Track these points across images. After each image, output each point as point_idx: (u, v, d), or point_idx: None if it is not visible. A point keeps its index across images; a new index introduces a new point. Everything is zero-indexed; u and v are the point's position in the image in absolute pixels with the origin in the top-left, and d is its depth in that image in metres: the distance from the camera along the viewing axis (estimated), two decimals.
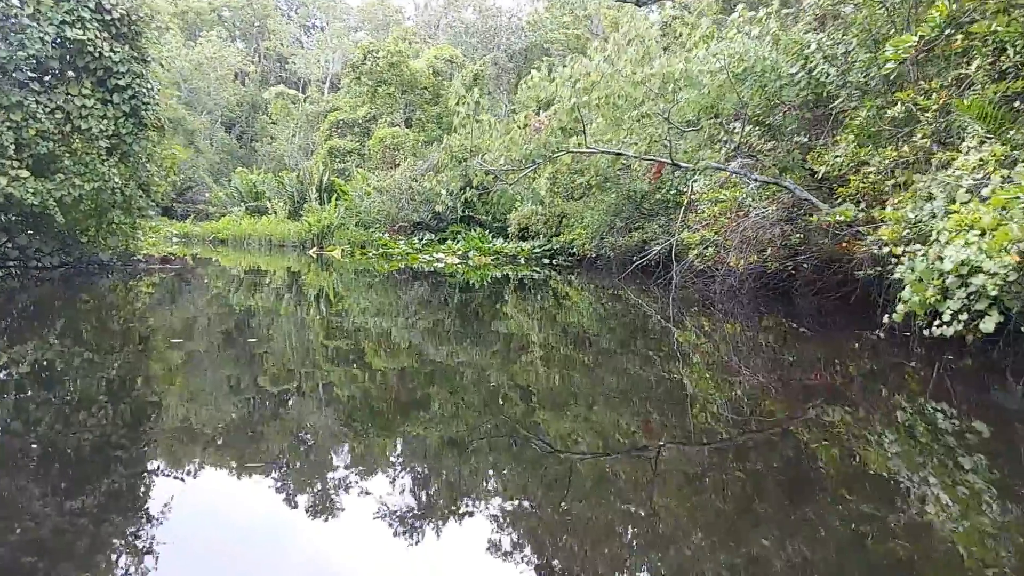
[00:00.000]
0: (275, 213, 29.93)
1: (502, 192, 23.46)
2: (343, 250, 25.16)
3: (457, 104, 8.24)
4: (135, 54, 12.08)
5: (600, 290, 15.89)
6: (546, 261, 23.03)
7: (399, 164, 28.32)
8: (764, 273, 12.44)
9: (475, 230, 26.00)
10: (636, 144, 9.32)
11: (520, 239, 24.16)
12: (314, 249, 25.94)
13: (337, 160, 33.35)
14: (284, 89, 41.85)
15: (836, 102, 8.96)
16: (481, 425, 4.62)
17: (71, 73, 11.35)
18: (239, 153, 43.48)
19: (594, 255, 19.01)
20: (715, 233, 12.55)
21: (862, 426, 4.76)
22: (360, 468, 3.82)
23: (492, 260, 23.28)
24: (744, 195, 11.91)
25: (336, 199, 28.41)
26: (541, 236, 22.96)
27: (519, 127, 8.24)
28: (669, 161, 8.98)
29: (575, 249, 20.78)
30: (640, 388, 5.99)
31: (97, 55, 11.45)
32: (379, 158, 30.49)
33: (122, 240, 12.49)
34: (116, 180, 11.56)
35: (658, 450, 4.12)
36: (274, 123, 41.59)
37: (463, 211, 26.72)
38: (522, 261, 23.22)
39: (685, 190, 15.60)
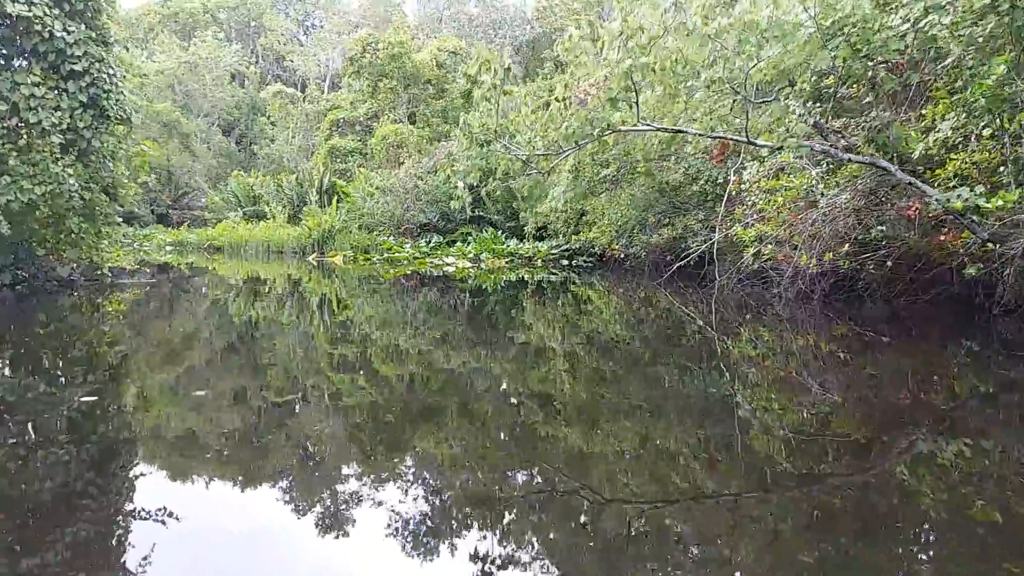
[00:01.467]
0: (273, 218, 28.23)
1: (521, 186, 21.67)
2: (345, 256, 23.44)
3: (478, 73, 6.51)
4: (93, 35, 10.35)
5: (630, 293, 14.07)
6: (565, 262, 21.25)
7: (403, 162, 26.58)
8: (830, 272, 10.67)
9: (486, 231, 24.23)
10: (698, 120, 7.54)
11: (536, 239, 22.39)
12: (314, 255, 24.24)
13: (338, 160, 31.64)
14: (282, 88, 40.16)
15: (947, 61, 7.16)
16: (512, 467, 3.84)
17: (17, 58, 9.64)
18: (238, 157, 41.84)
19: (621, 255, 17.16)
20: (777, 227, 10.76)
21: (992, 467, 3.66)
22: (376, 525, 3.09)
23: (507, 263, 21.50)
24: (812, 181, 10.11)
25: (337, 201, 26.70)
26: (559, 235, 21.14)
27: (558, 100, 6.52)
28: (744, 139, 7.21)
29: (597, 248, 18.98)
30: (692, 412, 4.99)
31: (47, 35, 9.73)
32: (382, 157, 28.76)
33: (85, 251, 10.76)
34: (72, 182, 9.83)
35: (735, 499, 3.32)
36: (273, 124, 39.92)
37: (473, 210, 24.95)
38: (539, 263, 21.44)
39: (729, 180, 13.84)
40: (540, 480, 3.59)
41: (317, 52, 44.54)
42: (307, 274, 18.51)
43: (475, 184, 7.24)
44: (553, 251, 21.39)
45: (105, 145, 10.50)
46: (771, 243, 10.85)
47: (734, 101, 7.41)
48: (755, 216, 12.28)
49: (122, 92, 10.68)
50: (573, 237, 19.54)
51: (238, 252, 27.38)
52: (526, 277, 17.56)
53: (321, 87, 42.67)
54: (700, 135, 6.78)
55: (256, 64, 48.98)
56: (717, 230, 14.15)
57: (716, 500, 3.34)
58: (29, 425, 4.06)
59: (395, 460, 3.94)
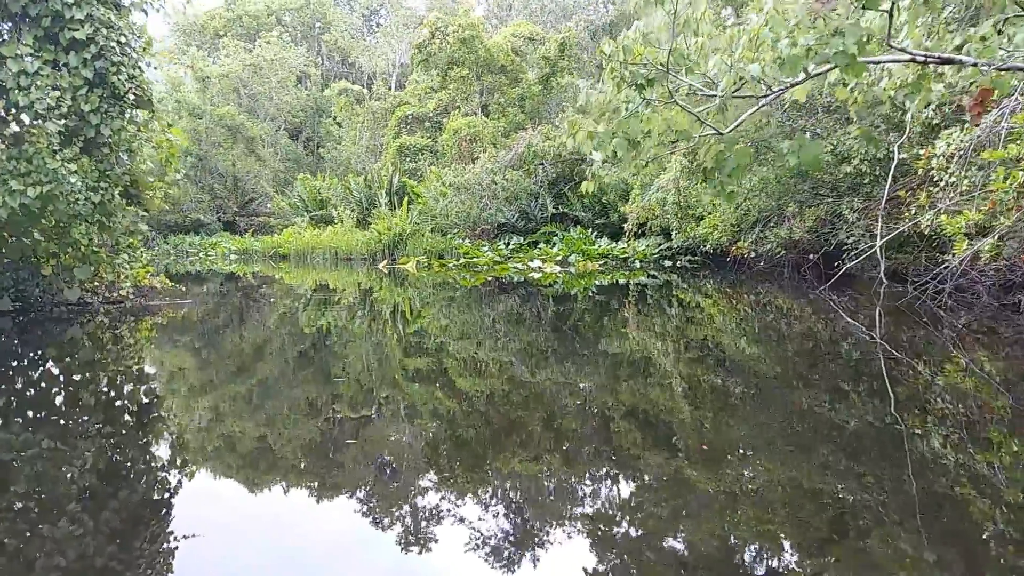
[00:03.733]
0: (341, 222, 26.26)
1: (612, 179, 18.88)
2: (418, 261, 21.13)
3: None
4: None
5: (766, 300, 11.04)
6: (668, 263, 18.33)
7: (477, 158, 24.14)
8: None
9: (573, 230, 21.49)
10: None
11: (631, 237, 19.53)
12: (384, 262, 22.03)
13: (407, 159, 29.48)
14: (347, 85, 38.40)
15: None
16: (612, 513, 3.17)
17: (2, 23, 7.52)
18: (306, 161, 40.38)
19: (751, 253, 14.04)
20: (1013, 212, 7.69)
21: None
22: None
23: (600, 265, 18.73)
24: None
25: (408, 203, 24.48)
26: (662, 233, 18.18)
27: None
28: None
29: (711, 245, 15.96)
30: (858, 452, 3.72)
31: None
32: (453, 153, 26.41)
33: (100, 268, 8.61)
34: (75, 181, 7.65)
35: None
36: (339, 124, 38.23)
37: (555, 207, 22.27)
38: (637, 264, 18.58)
39: (893, 158, 10.75)
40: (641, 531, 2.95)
41: (383, 46, 42.72)
42: (378, 282, 16.23)
43: (615, 155, 4.49)
44: (653, 251, 18.50)
45: (119, 134, 8.29)
46: (1014, 237, 7.78)
47: None
48: (955, 198, 9.22)
49: (139, 67, 8.48)
50: (679, 234, 16.53)
51: (304, 259, 25.53)
52: (623, 281, 14.76)
53: (388, 83, 40.77)
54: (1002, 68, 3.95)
55: (321, 65, 47.63)
56: (881, 222, 11.09)
57: None
58: None
59: (476, 482, 3.57)
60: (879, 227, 11.06)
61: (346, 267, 22.48)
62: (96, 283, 8.88)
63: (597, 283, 14.56)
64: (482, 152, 24.65)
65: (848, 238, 12.24)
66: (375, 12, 54.32)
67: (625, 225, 17.75)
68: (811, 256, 13.05)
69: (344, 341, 7.45)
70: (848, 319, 9.01)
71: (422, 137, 30.23)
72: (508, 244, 22.09)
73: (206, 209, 33.38)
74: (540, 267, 18.26)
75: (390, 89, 39.06)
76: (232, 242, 29.86)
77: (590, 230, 21.21)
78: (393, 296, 12.63)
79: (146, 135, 8.95)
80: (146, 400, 5.23)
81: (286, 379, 5.76)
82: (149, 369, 6.17)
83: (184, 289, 10.45)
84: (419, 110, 31.14)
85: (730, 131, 4.86)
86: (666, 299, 11.58)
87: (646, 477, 3.66)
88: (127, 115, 8.50)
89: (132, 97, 8.32)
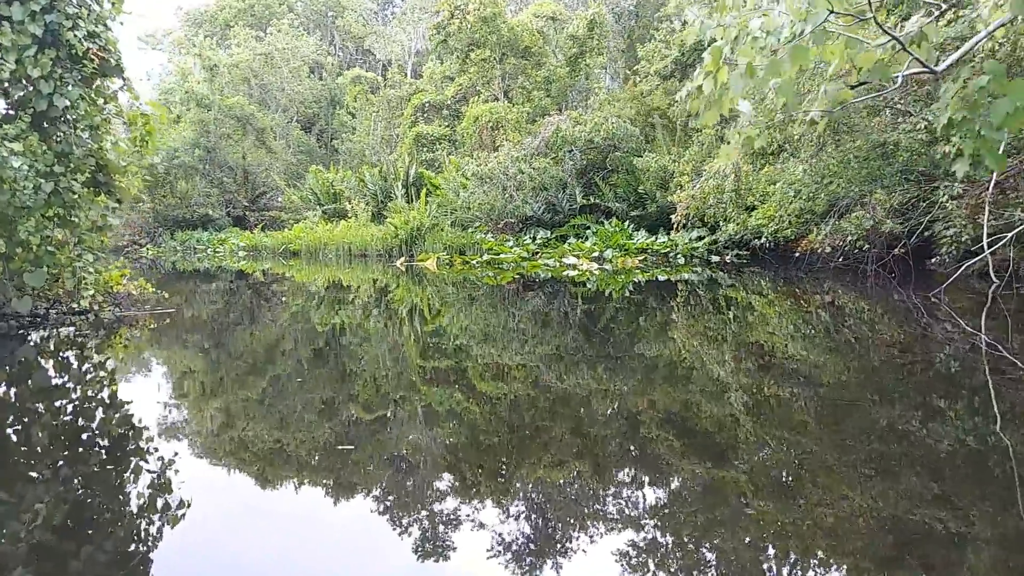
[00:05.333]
0: (355, 216, 24.68)
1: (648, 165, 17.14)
2: (439, 258, 19.50)
3: None
4: None
5: (855, 303, 9.20)
6: (715, 258, 16.57)
7: (500, 146, 22.44)
8: None
9: (608, 222, 19.74)
10: None
11: (669, 229, 17.79)
12: (402, 259, 20.42)
13: (425, 149, 27.83)
14: (361, 72, 36.80)
15: None
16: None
17: None
18: (319, 153, 38.83)
19: (826, 248, 12.16)
20: None
21: None
22: None
23: (640, 261, 17.01)
24: None
25: (426, 195, 22.86)
26: (711, 224, 16.38)
27: None
28: None
29: (767, 238, 14.15)
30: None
31: None
32: (474, 142, 24.72)
33: (57, 273, 7.00)
34: (20, 165, 6.06)
35: None
36: (352, 114, 36.64)
37: (585, 197, 20.51)
38: (681, 260, 16.84)
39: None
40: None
41: (398, 33, 41.04)
42: (396, 281, 14.64)
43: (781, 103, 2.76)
44: (698, 245, 16.75)
45: (78, 107, 6.68)
46: None
47: None
48: None
49: (104, 23, 6.86)
50: (736, 226, 14.71)
51: (316, 256, 23.99)
52: (671, 278, 13.04)
53: (404, 70, 39.08)
54: None
55: (334, 55, 46.04)
56: (988, 209, 9.34)
57: None
58: None
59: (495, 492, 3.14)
60: (984, 216, 9.31)
61: (360, 264, 20.89)
62: (59, 291, 7.31)
63: (647, 281, 12.86)
64: (505, 140, 22.97)
65: (946, 229, 10.47)
66: (389, 2, 52.66)
67: (672, 217, 15.95)
68: (895, 251, 11.25)
69: (368, 382, 5.84)
70: (967, 326, 7.24)
71: (440, 126, 28.60)
72: (535, 238, 20.40)
73: (215, 204, 31.92)
74: (575, 264, 16.55)
75: (406, 76, 37.40)
76: (241, 238, 28.39)
77: (625, 222, 19.47)
78: (423, 301, 11.03)
79: (115, 108, 7.34)
80: (107, 443, 3.68)
81: (290, 442, 4.16)
82: (111, 402, 4.60)
83: (167, 296, 8.84)
84: (436, 98, 29.49)
85: (947, 65, 3.15)
86: (727, 300, 9.85)
87: (701, 505, 3.02)
88: (92, 85, 6.88)
89: (95, 61, 6.71)
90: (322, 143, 40.91)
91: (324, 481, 3.40)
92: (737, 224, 14.99)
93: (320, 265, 21.26)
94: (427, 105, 29.74)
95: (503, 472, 3.41)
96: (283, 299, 11.53)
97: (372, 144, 33.62)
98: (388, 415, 4.51)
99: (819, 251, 12.15)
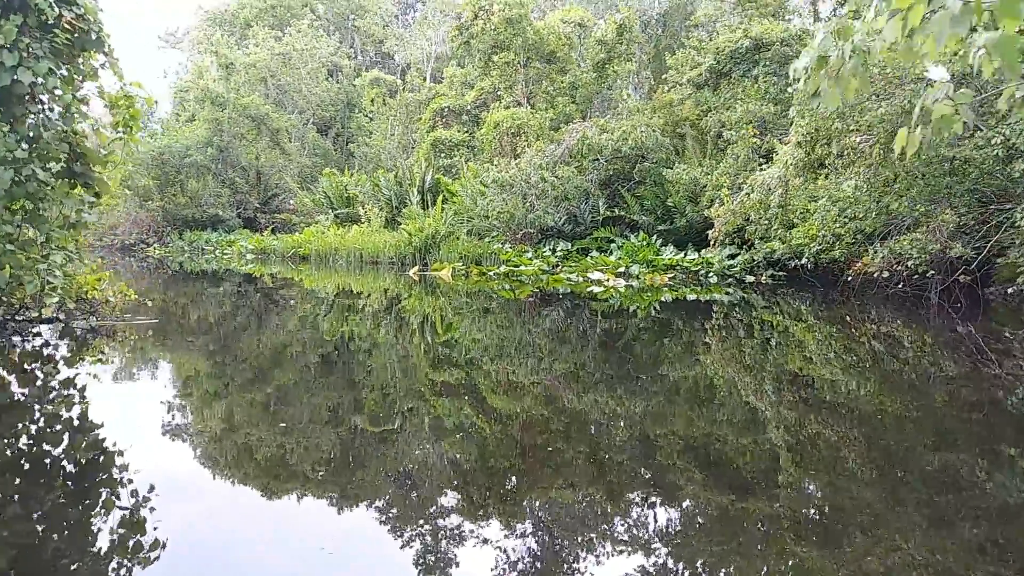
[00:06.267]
0: (368, 221, 23.78)
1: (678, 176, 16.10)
2: (454, 268, 18.53)
3: None
4: None
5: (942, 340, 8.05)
6: (750, 278, 15.48)
7: (521, 153, 21.47)
8: None
9: (635, 236, 18.69)
10: None
11: (698, 245, 16.73)
12: (415, 268, 19.45)
13: (442, 155, 26.90)
14: (380, 74, 36.03)
15: None
16: None
17: None
18: (334, 157, 38.02)
19: (880, 272, 10.99)
20: None
21: None
22: None
23: (669, 279, 15.95)
24: None
25: (443, 202, 21.92)
26: (743, 242, 15.29)
27: None
28: None
29: (808, 258, 13.05)
30: None
31: None
32: (493, 149, 23.77)
33: (14, 273, 6.04)
34: None
35: None
36: (369, 118, 35.83)
37: (609, 209, 19.46)
38: (713, 279, 15.76)
39: None
40: None
41: (418, 37, 40.29)
42: (408, 291, 13.67)
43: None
44: (731, 263, 15.68)
45: (48, 84, 5.75)
46: None
47: None
48: None
49: None
50: (782, 244, 13.60)
51: (326, 261, 23.08)
52: (702, 297, 11.97)
53: (423, 73, 38.27)
54: None
55: (353, 58, 45.37)
56: None
57: None
58: None
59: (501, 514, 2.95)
60: None
61: (372, 271, 19.96)
62: (24, 296, 6.38)
63: (675, 300, 11.82)
64: (527, 146, 22.01)
65: (1021, 257, 9.37)
66: (411, 6, 52.01)
67: (708, 232, 14.86)
68: (958, 277, 10.13)
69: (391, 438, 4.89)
70: None
71: (458, 131, 27.67)
72: (554, 250, 19.38)
73: (226, 204, 31.14)
74: (601, 279, 15.51)
75: (424, 80, 36.60)
76: (249, 240, 27.56)
77: (652, 236, 18.42)
78: (423, 307, 10.07)
79: (97, 89, 6.42)
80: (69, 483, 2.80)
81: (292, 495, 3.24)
82: (76, 433, 3.68)
83: (150, 303, 7.89)
84: (456, 103, 28.60)
85: None
86: (767, 323, 8.79)
87: (726, 546, 2.57)
88: (65, 57, 5.96)
89: (70, 31, 5.79)
90: (338, 146, 40.15)
91: (322, 502, 2.71)
92: (782, 243, 13.89)
93: (330, 271, 20.36)
94: (446, 110, 28.87)
95: (510, 495, 3.18)
96: (291, 303, 10.58)
97: (389, 148, 32.77)
98: (395, 429, 3.76)
99: (875, 275, 11.01)
